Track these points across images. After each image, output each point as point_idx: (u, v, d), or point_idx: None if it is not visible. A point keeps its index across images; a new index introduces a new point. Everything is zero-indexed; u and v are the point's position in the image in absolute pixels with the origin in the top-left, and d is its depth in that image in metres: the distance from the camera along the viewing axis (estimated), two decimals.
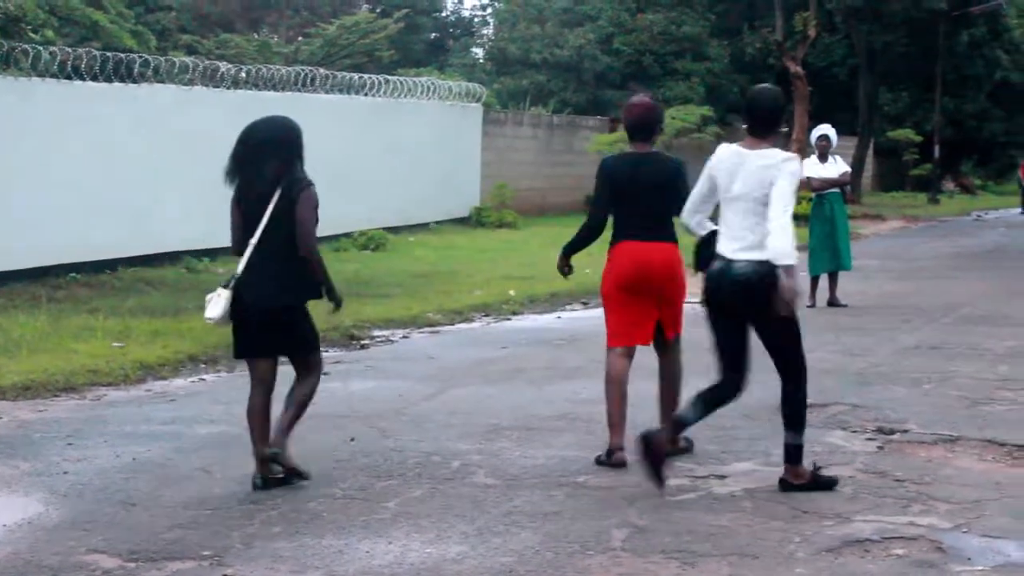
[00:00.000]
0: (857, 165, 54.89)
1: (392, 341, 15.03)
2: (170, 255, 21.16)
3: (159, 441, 9.55)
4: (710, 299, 8.29)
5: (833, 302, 18.12)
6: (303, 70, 27.21)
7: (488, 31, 66.09)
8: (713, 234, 8.34)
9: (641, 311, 8.92)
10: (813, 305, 17.84)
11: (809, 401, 10.43)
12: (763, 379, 11.94)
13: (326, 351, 13.88)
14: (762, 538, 7.17)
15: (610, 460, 8.78)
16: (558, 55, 45.33)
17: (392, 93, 29.71)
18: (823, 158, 18.19)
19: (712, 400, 8.29)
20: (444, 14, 71.36)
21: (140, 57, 22.29)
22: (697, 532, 7.25)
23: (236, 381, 12.17)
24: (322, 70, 28.41)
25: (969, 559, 6.90)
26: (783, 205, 7.87)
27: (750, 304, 8.05)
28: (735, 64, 50.44)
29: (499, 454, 9.10)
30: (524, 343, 14.75)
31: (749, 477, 8.47)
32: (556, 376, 12.37)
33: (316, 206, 8.29)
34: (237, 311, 8.25)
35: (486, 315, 17.14)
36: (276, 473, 8.21)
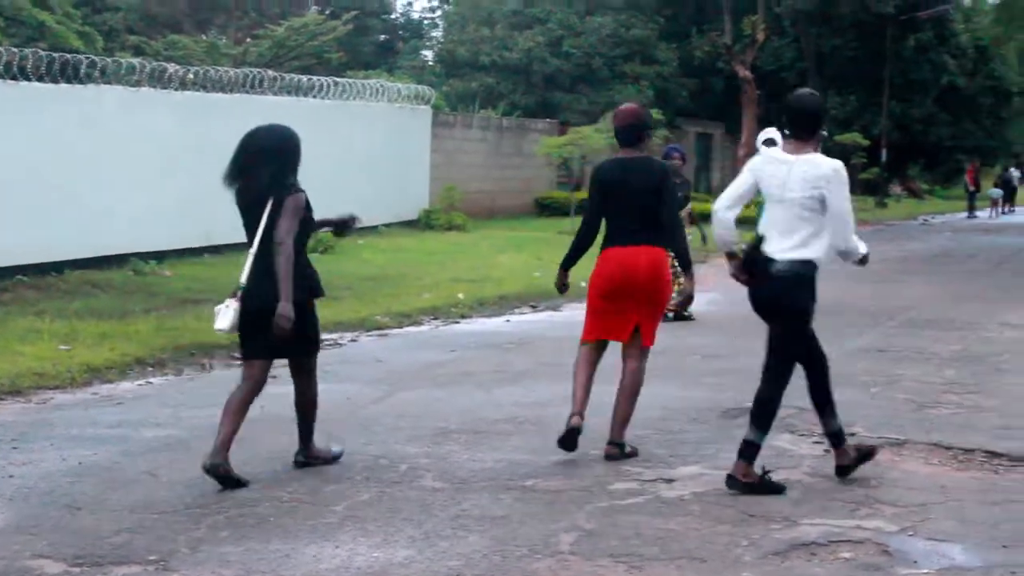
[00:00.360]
0: None
1: (340, 344, 15.00)
2: (117, 257, 21.03)
3: (105, 444, 9.49)
4: (752, 297, 8.55)
5: None
6: (251, 72, 27.12)
7: (437, 33, 66.11)
8: (761, 239, 8.45)
9: (620, 318, 9.25)
10: None
11: None
12: (711, 382, 12.01)
13: None
14: (710, 541, 7.18)
15: (567, 425, 8.99)
16: (507, 58, 45.39)
17: (341, 95, 29.66)
18: None
19: (816, 387, 8.81)
20: (393, 16, 71.35)
21: (87, 58, 22.21)
22: (645, 535, 7.25)
23: (183, 384, 12.15)
24: (270, 72, 28.32)
25: (915, 562, 6.93)
26: (849, 220, 8.31)
27: (781, 300, 8.37)
28: (684, 68, 50.61)
29: (447, 457, 9.09)
30: (473, 346, 14.74)
31: (697, 480, 8.48)
32: (504, 380, 12.36)
33: (300, 211, 8.62)
34: (243, 316, 8.50)
35: (435, 318, 17.11)
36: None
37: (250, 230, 8.62)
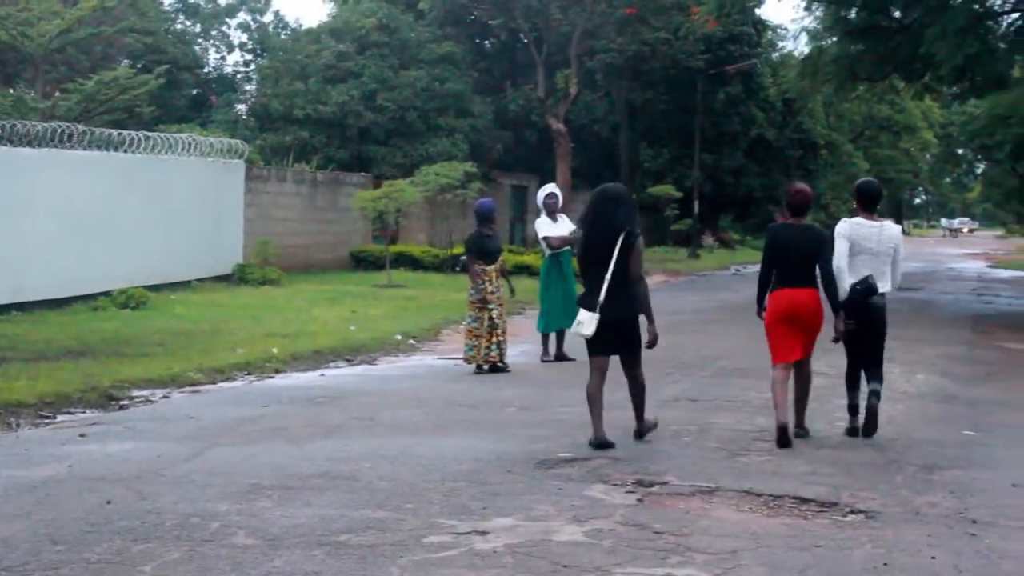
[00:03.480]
0: None
1: (152, 401, 14.73)
2: None
3: None
4: (855, 318, 12.35)
5: (561, 356, 18.51)
6: (60, 126, 26.73)
7: (251, 87, 65.77)
8: (873, 286, 12.41)
9: (793, 337, 12.21)
10: (552, 359, 18.27)
11: (569, 455, 10.76)
12: (524, 434, 12.02)
13: (82, 412, 13.64)
14: None
15: (777, 422, 11.94)
16: (321, 111, 45.25)
17: (152, 149, 29.31)
18: (552, 216, 18.57)
19: (855, 381, 12.77)
20: (206, 70, 70.84)
21: None
22: None
23: None
24: (80, 126, 27.93)
25: None
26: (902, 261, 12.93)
27: (882, 320, 12.53)
28: (498, 121, 50.88)
29: (259, 514, 8.96)
30: (287, 401, 14.57)
31: (511, 532, 8.47)
32: (317, 434, 12.24)
33: (643, 251, 11.83)
34: (600, 325, 11.62)
35: (248, 373, 16.90)
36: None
37: (603, 259, 11.60)
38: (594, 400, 11.68)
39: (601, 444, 11.45)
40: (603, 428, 11.55)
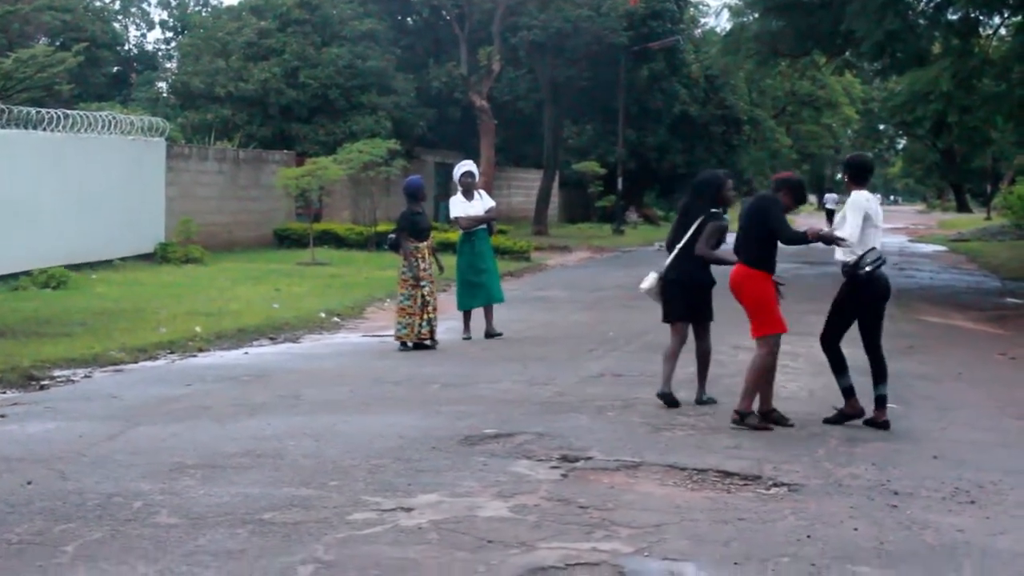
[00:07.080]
0: (544, 197, 55.79)
1: (74, 381, 14.61)
2: None
3: None
4: (863, 292, 12.24)
5: (490, 332, 18.52)
6: None
7: (172, 65, 65.27)
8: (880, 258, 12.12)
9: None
10: (469, 337, 18.28)
11: (494, 431, 10.75)
12: (449, 410, 12.04)
13: (2, 392, 13.50)
14: (448, 569, 7.16)
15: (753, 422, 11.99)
16: (243, 89, 44.94)
17: (72, 128, 29.02)
18: (468, 195, 18.52)
19: (839, 363, 12.53)
20: (126, 47, 70.27)
21: None
22: (384, 565, 7.19)
23: None
24: None
25: None
26: None
27: (881, 292, 12.25)
28: (421, 98, 50.71)
29: (182, 493, 8.91)
30: (210, 380, 14.50)
31: (435, 508, 8.46)
32: (242, 413, 12.19)
33: (716, 232, 12.82)
34: (666, 287, 13.11)
35: (171, 352, 16.80)
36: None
37: (682, 233, 12.92)
38: (666, 358, 13.07)
39: (663, 396, 12.76)
40: (670, 384, 12.81)
